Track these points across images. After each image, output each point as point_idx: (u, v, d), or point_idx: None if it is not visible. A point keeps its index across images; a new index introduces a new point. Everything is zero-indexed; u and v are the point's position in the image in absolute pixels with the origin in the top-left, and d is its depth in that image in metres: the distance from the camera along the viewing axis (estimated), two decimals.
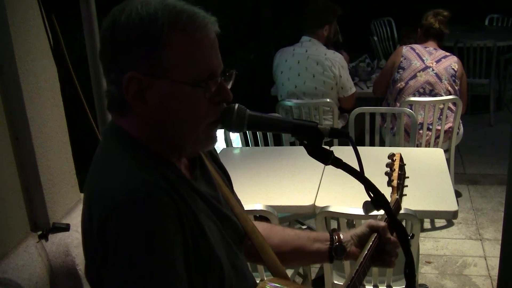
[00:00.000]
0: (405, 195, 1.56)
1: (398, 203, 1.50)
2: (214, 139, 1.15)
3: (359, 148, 1.18)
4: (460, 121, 3.70)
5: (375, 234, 1.38)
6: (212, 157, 1.34)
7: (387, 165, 1.55)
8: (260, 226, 1.42)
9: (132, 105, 1.05)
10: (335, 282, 2.26)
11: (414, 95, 3.59)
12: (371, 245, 1.35)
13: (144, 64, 1.02)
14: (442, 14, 3.70)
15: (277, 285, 1.24)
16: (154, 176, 1.03)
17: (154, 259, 0.96)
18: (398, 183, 1.51)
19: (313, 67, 3.68)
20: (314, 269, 3.04)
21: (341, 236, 1.43)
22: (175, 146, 1.11)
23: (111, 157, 1.08)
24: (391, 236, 1.37)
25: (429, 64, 3.62)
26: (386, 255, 1.38)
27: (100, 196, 1.02)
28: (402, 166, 1.56)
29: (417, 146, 3.51)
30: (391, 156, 1.56)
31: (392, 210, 1.27)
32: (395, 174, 1.51)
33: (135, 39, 1.02)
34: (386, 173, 1.53)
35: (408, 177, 1.57)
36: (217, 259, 1.11)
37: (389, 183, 1.52)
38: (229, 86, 1.12)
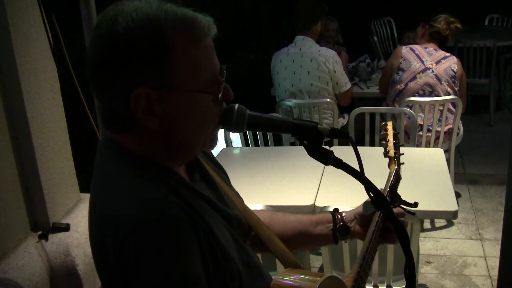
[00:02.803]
0: (403, 163, 1.55)
1: (397, 173, 1.50)
2: (216, 140, 1.14)
3: (359, 148, 1.18)
4: (460, 122, 3.70)
5: (378, 212, 1.35)
6: (206, 155, 1.32)
7: (381, 136, 1.55)
8: (261, 214, 1.40)
9: (141, 120, 0.99)
10: None
11: (414, 97, 3.59)
12: (377, 221, 1.34)
13: (151, 77, 0.97)
14: (455, 24, 3.67)
15: (288, 280, 1.20)
16: (163, 191, 0.99)
17: (178, 277, 0.93)
18: (394, 153, 1.51)
19: (308, 64, 3.70)
20: (314, 269, 3.04)
21: (344, 215, 1.41)
22: (181, 153, 1.08)
23: (116, 178, 1.03)
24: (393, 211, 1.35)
25: (429, 65, 3.61)
26: (388, 233, 1.36)
27: (114, 220, 0.96)
28: (395, 134, 1.55)
29: (417, 147, 3.51)
30: (384, 126, 1.56)
31: (390, 206, 1.27)
32: (390, 145, 1.51)
33: (139, 51, 0.95)
34: (381, 144, 1.53)
35: (403, 145, 1.58)
36: (234, 264, 1.09)
37: (386, 154, 1.51)
38: None
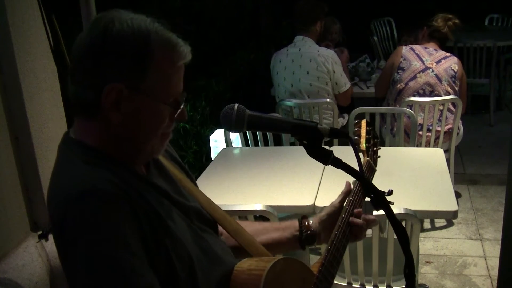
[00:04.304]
0: (379, 156, 1.61)
1: (369, 164, 1.53)
2: (164, 148, 1.22)
3: (352, 136, 1.19)
4: (460, 121, 3.70)
5: (343, 212, 1.39)
6: (169, 155, 1.39)
7: (354, 132, 1.59)
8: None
9: (107, 112, 1.10)
10: (335, 282, 2.26)
11: (414, 96, 3.59)
12: (341, 222, 1.36)
13: (129, 77, 1.08)
14: (453, 20, 3.66)
15: (245, 264, 1.27)
16: (103, 172, 1.08)
17: (110, 247, 1.00)
18: (366, 146, 1.55)
19: (307, 64, 3.70)
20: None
21: (310, 223, 1.47)
22: (132, 153, 1.17)
23: (63, 164, 1.14)
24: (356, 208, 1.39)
25: (429, 65, 3.61)
26: (356, 229, 1.39)
27: (54, 197, 1.10)
28: (369, 130, 1.59)
29: (417, 147, 3.51)
30: (357, 124, 1.61)
31: (390, 205, 1.27)
32: (362, 140, 1.56)
33: (127, 52, 1.08)
34: (354, 139, 1.56)
35: (378, 139, 1.63)
36: (182, 246, 1.14)
37: (358, 148, 1.55)
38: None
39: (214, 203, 1.39)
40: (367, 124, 1.60)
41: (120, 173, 1.11)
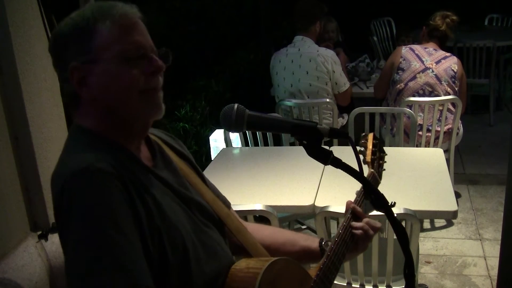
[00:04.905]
0: (384, 169, 1.62)
1: (374, 175, 1.54)
2: (157, 106, 1.21)
3: (358, 148, 1.19)
4: (460, 121, 3.70)
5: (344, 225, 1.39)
6: (179, 152, 1.40)
7: (360, 144, 1.60)
8: (250, 226, 1.47)
9: (78, 92, 1.17)
10: (335, 282, 2.26)
11: (414, 97, 3.59)
12: (341, 229, 1.38)
13: (79, 54, 1.16)
14: (450, 17, 3.65)
15: (243, 263, 1.28)
16: (102, 154, 1.12)
17: (99, 222, 1.03)
18: (372, 158, 1.56)
19: (306, 64, 3.70)
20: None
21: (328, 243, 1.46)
22: (124, 124, 1.19)
23: (67, 147, 1.20)
24: (359, 222, 1.40)
25: (429, 65, 3.61)
26: (359, 241, 1.40)
27: (55, 175, 1.14)
28: (376, 143, 1.61)
29: (417, 147, 3.51)
30: (364, 137, 1.63)
31: (389, 205, 1.28)
32: (368, 152, 1.58)
33: (69, 35, 1.17)
34: (360, 151, 1.57)
35: (386, 154, 1.65)
36: (176, 231, 1.16)
37: (364, 161, 1.56)
38: (168, 63, 1.22)
39: (220, 201, 1.40)
40: (375, 138, 1.62)
41: (120, 157, 1.14)
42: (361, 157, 1.55)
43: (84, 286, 1.00)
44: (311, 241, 1.48)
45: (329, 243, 1.42)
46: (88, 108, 1.19)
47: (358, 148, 1.54)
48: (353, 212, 1.41)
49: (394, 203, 1.35)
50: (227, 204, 1.47)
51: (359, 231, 1.38)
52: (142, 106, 1.18)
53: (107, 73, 1.15)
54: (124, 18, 1.17)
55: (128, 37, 1.17)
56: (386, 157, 1.66)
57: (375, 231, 1.42)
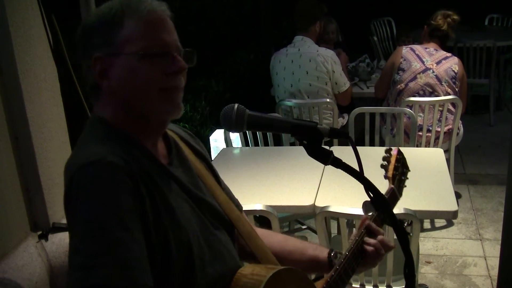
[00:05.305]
0: (405, 186, 1.59)
1: (393, 191, 1.52)
2: (176, 105, 1.21)
3: (358, 148, 1.19)
4: (460, 122, 3.69)
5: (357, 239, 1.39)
6: (196, 151, 1.40)
7: (383, 159, 1.58)
8: (259, 232, 1.45)
9: (99, 84, 1.17)
10: None
11: (414, 97, 3.59)
12: (353, 244, 1.37)
13: (104, 46, 1.16)
14: (452, 17, 3.64)
15: (249, 268, 1.27)
16: (115, 147, 1.12)
17: (103, 213, 1.03)
18: (393, 174, 1.54)
19: (306, 64, 3.70)
20: None
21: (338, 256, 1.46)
22: (141, 120, 1.19)
23: (83, 138, 1.20)
24: (372, 239, 1.39)
25: (429, 65, 3.61)
26: (369, 258, 1.39)
27: (68, 165, 1.14)
28: (399, 159, 1.58)
29: (417, 147, 3.51)
30: (388, 151, 1.60)
31: (390, 205, 1.28)
32: (391, 166, 1.55)
33: (95, 26, 1.18)
34: (382, 166, 1.56)
35: (409, 171, 1.61)
36: (182, 228, 1.15)
37: (385, 176, 1.54)
38: (191, 64, 1.22)
39: (232, 204, 1.39)
40: (399, 153, 1.59)
41: (134, 152, 1.14)
42: (383, 172, 1.54)
43: (83, 277, 0.99)
44: (320, 251, 1.47)
45: (338, 255, 1.41)
46: (108, 100, 1.19)
47: (381, 162, 1.54)
48: (368, 228, 1.40)
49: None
50: (240, 208, 1.45)
51: (371, 248, 1.38)
52: (160, 103, 1.17)
53: (127, 68, 1.15)
54: (151, 14, 1.17)
55: (153, 34, 1.16)
56: None
57: (387, 250, 1.41)
